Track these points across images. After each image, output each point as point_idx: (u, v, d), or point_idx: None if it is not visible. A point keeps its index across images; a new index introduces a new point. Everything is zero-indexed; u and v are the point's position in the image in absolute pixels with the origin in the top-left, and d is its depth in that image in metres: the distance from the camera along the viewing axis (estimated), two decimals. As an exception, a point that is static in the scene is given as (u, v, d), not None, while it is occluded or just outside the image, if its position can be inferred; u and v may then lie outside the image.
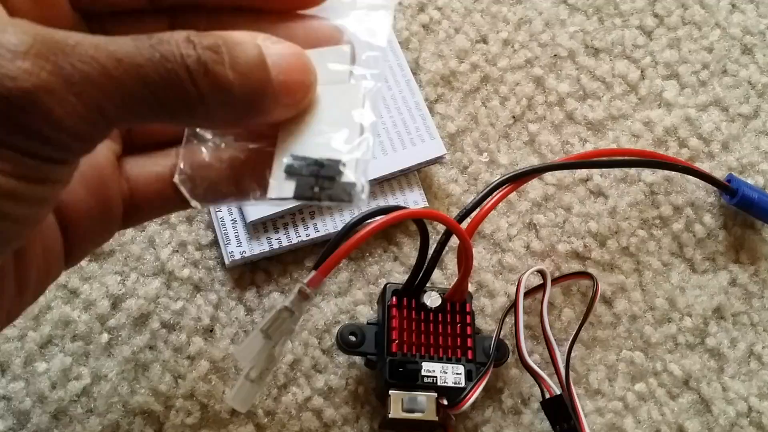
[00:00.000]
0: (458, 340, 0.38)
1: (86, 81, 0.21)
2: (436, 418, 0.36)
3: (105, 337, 0.39)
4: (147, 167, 0.29)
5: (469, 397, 0.36)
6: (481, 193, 0.38)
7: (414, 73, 0.45)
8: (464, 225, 0.37)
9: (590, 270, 0.41)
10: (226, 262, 0.40)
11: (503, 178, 0.38)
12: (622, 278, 0.42)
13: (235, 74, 0.23)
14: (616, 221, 0.43)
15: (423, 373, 0.36)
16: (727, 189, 0.42)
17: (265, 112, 0.24)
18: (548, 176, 0.44)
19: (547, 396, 0.37)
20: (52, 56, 0.20)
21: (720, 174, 0.44)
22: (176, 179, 0.28)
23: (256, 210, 0.40)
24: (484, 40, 0.46)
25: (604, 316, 0.41)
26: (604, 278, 0.42)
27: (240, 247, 0.40)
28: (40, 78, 0.20)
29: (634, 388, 0.40)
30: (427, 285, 0.38)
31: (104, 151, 0.28)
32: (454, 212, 0.43)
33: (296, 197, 0.26)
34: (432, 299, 0.38)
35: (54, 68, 0.20)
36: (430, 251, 0.37)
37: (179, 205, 0.29)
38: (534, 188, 0.43)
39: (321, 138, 0.27)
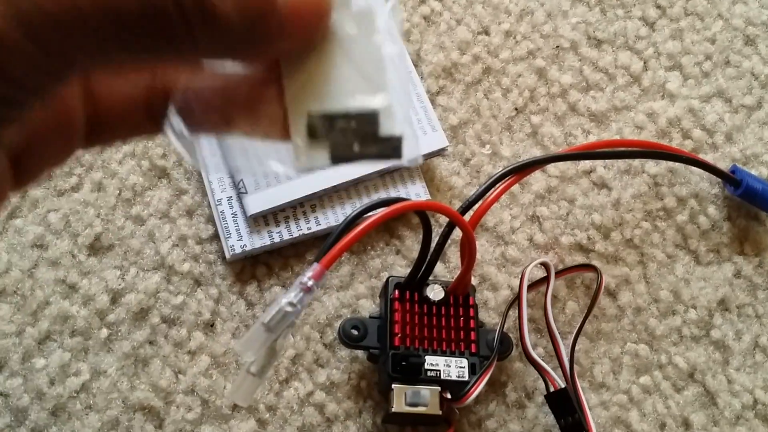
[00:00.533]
0: (461, 333, 0.37)
1: (47, 22, 0.17)
2: (440, 413, 0.35)
3: (104, 332, 0.39)
4: (117, 84, 0.24)
5: (473, 391, 0.36)
6: (484, 184, 0.37)
7: (415, 65, 0.44)
8: (467, 217, 0.36)
9: (594, 262, 0.41)
10: (227, 256, 0.40)
11: (506, 169, 0.38)
12: (626, 270, 0.41)
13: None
14: (619, 213, 0.42)
15: (426, 366, 0.36)
16: (731, 180, 0.42)
17: (267, 44, 0.20)
18: (551, 168, 0.43)
19: (552, 389, 0.37)
20: None
21: (724, 165, 0.43)
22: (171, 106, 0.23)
23: (257, 203, 0.40)
24: (486, 32, 0.46)
25: (609, 309, 0.41)
26: (608, 270, 0.41)
27: (241, 240, 0.40)
28: None
29: (639, 381, 0.40)
30: (430, 278, 0.38)
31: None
32: (457, 205, 0.42)
33: (334, 162, 0.22)
34: (435, 292, 0.37)
35: (6, 8, 0.17)
36: (433, 244, 0.37)
37: (148, 130, 0.24)
38: (537, 180, 0.43)
39: (343, 84, 0.22)
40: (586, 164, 0.43)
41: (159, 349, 0.39)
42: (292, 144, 0.22)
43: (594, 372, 0.40)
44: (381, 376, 0.38)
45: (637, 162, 0.43)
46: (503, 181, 0.38)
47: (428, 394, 0.35)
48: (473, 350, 0.37)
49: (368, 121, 0.21)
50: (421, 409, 0.35)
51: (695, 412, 0.39)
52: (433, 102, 0.44)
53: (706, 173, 0.43)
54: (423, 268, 0.37)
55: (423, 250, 0.37)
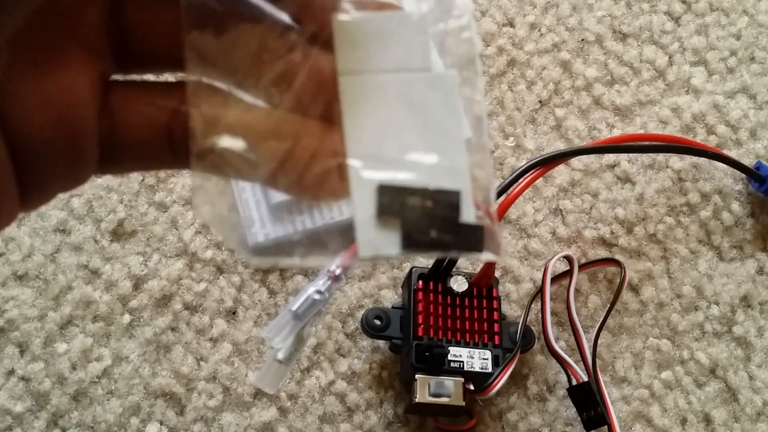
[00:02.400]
0: (485, 325, 0.37)
1: None
2: (463, 403, 0.35)
3: (126, 318, 0.38)
4: (140, 104, 0.21)
5: (497, 383, 0.35)
6: (509, 177, 0.37)
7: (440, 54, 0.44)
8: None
9: (617, 257, 0.41)
10: (250, 244, 0.40)
11: (531, 162, 0.37)
12: (649, 265, 0.41)
13: None
14: (643, 208, 0.42)
15: (449, 357, 0.36)
16: (756, 176, 0.42)
17: None
18: (575, 162, 0.43)
19: (574, 383, 0.37)
20: None
21: (748, 162, 0.43)
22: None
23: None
24: (511, 24, 0.46)
25: (631, 304, 0.41)
26: (631, 265, 0.41)
27: (264, 228, 0.40)
28: None
29: (661, 376, 0.40)
30: (453, 270, 0.38)
31: (80, 68, 0.20)
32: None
33: (405, 248, 0.18)
34: (458, 284, 0.37)
35: None
36: None
37: (168, 161, 0.21)
38: (560, 174, 0.43)
39: (410, 155, 0.18)
40: (610, 158, 0.43)
41: (181, 336, 0.38)
42: (356, 223, 0.18)
43: (616, 366, 0.40)
44: (403, 367, 0.37)
45: (661, 157, 0.43)
46: (528, 173, 0.37)
47: (452, 385, 0.35)
48: (496, 342, 0.37)
49: (449, 202, 0.18)
50: (444, 400, 0.35)
51: (716, 408, 0.39)
52: (456, 93, 0.43)
53: (730, 169, 0.43)
54: (447, 259, 0.37)
55: None
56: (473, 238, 0.18)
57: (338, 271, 0.30)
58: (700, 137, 0.44)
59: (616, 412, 0.39)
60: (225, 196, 0.22)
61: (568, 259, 0.39)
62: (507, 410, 0.39)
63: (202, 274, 0.39)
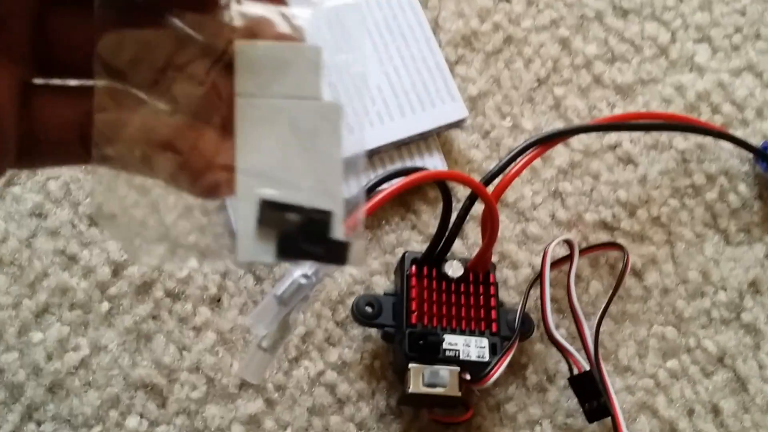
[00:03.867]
0: (482, 312, 0.35)
1: None
2: (459, 394, 0.34)
3: (105, 305, 0.37)
4: (58, 107, 0.23)
5: (494, 372, 0.34)
6: (507, 156, 0.35)
7: (433, 33, 0.42)
8: (489, 190, 0.35)
9: (619, 241, 0.39)
10: (233, 227, 0.38)
11: (531, 140, 0.36)
12: (653, 249, 0.39)
13: None
14: (646, 190, 0.41)
15: (445, 346, 0.34)
16: (764, 156, 0.40)
17: None
18: (575, 142, 0.41)
19: (576, 372, 0.35)
20: None
21: (754, 141, 0.42)
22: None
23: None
24: (508, 0, 0.44)
25: (634, 289, 0.39)
26: (634, 249, 0.39)
27: (249, 212, 0.38)
28: None
29: (666, 365, 0.38)
30: (448, 254, 0.36)
31: (1, 73, 0.22)
32: (477, 179, 0.40)
33: (278, 257, 0.21)
34: (454, 269, 0.36)
35: None
36: (453, 218, 0.35)
37: (81, 157, 0.23)
38: (560, 155, 0.41)
39: (299, 176, 0.21)
40: (611, 138, 0.41)
41: (162, 325, 0.37)
42: (237, 231, 0.21)
43: (619, 355, 0.38)
44: (396, 356, 0.36)
45: (664, 137, 0.41)
46: (527, 152, 0.36)
47: (447, 374, 0.34)
48: (494, 330, 0.35)
49: (321, 221, 0.21)
50: (439, 390, 0.33)
51: (725, 399, 0.37)
52: (451, 72, 0.42)
53: (737, 149, 0.41)
54: (441, 243, 0.35)
55: (442, 224, 0.35)
56: (339, 252, 0.21)
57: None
58: (704, 116, 0.42)
59: (620, 402, 0.37)
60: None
61: (569, 243, 0.37)
62: (505, 401, 0.37)
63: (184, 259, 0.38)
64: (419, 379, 0.34)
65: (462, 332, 0.35)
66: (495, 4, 0.44)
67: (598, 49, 0.43)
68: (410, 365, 0.34)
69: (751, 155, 0.41)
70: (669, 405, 0.37)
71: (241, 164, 0.21)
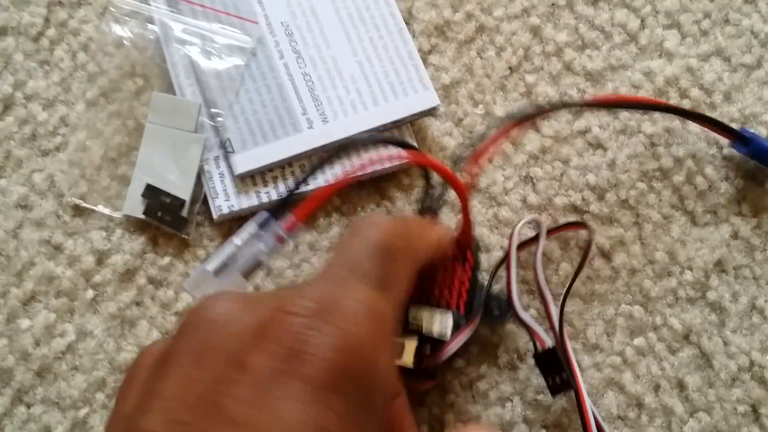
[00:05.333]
0: (453, 289, 0.35)
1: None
2: (411, 365, 0.33)
3: (90, 293, 0.38)
4: None
5: (448, 346, 0.34)
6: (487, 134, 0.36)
7: (407, 23, 0.43)
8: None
9: (588, 223, 0.40)
10: (214, 216, 0.39)
11: (511, 118, 0.36)
12: (621, 231, 0.41)
13: None
14: (615, 174, 0.42)
15: (409, 318, 0.33)
16: (741, 138, 0.41)
17: None
18: (545, 128, 0.42)
19: (540, 349, 0.36)
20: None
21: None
22: None
23: (244, 163, 0.39)
24: (480, -11, 0.45)
25: (603, 270, 0.40)
26: (602, 232, 0.40)
27: (228, 201, 0.39)
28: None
29: (633, 342, 0.39)
30: None
31: None
32: (450, 166, 0.42)
33: (144, 215, 0.38)
34: None
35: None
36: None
37: None
38: (531, 141, 0.42)
39: (170, 175, 0.39)
40: (581, 124, 0.42)
41: (146, 311, 0.38)
42: (128, 194, 0.39)
43: (587, 334, 0.39)
44: None
45: (633, 122, 0.42)
46: (505, 129, 0.36)
47: (402, 344, 0.33)
48: (461, 310, 0.35)
49: (178, 203, 0.38)
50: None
51: (690, 374, 0.39)
52: (424, 61, 0.43)
53: (704, 133, 0.42)
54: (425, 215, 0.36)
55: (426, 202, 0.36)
56: (182, 223, 0.39)
57: (284, 234, 0.29)
58: (673, 101, 0.43)
59: (587, 379, 0.38)
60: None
61: (536, 222, 0.38)
62: (477, 379, 0.38)
63: (166, 248, 0.39)
64: None
65: (429, 304, 0.34)
66: (467, -7, 0.45)
67: (569, 36, 0.44)
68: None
69: (721, 139, 0.42)
70: (636, 381, 0.38)
71: (139, 162, 0.39)
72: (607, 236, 0.40)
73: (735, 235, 0.41)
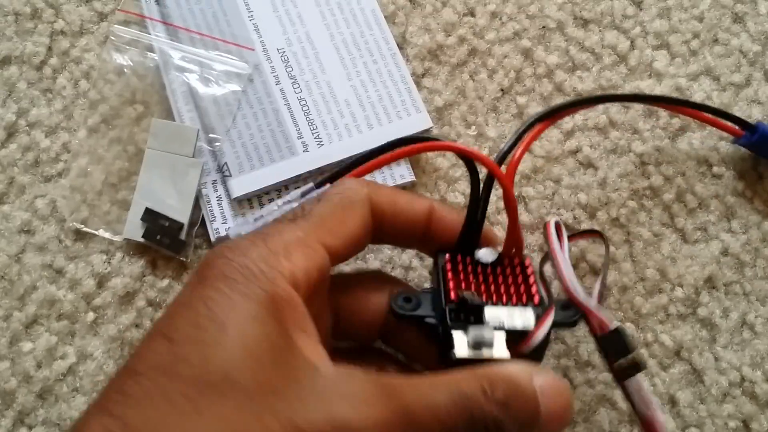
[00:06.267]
0: (522, 287, 0.33)
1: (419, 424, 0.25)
2: (509, 355, 0.30)
3: (91, 315, 0.39)
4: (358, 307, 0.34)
5: (537, 330, 0.31)
6: (510, 138, 0.35)
7: (400, 48, 0.44)
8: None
9: (580, 241, 0.41)
10: (212, 239, 0.40)
11: (535, 117, 0.35)
12: (612, 249, 0.41)
13: (515, 420, 0.27)
14: (605, 192, 0.42)
15: (487, 318, 0.31)
16: (747, 126, 0.41)
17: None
18: (536, 148, 0.43)
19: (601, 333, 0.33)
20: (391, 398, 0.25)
21: (711, 143, 0.43)
22: None
23: (241, 186, 0.40)
24: (472, 13, 0.46)
25: (595, 288, 0.41)
26: (593, 250, 0.41)
27: (225, 224, 0.40)
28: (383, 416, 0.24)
29: (625, 359, 0.39)
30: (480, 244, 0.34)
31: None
32: (443, 186, 0.42)
33: (144, 238, 0.39)
34: (487, 254, 0.34)
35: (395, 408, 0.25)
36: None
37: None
38: (522, 161, 0.43)
39: (169, 199, 0.40)
40: (572, 144, 0.43)
41: (145, 332, 0.39)
42: (128, 218, 0.40)
43: (579, 351, 0.40)
44: (440, 346, 0.32)
45: (623, 141, 0.43)
46: (532, 129, 0.35)
47: (493, 334, 0.30)
48: (536, 302, 0.32)
49: (177, 226, 0.40)
50: (486, 353, 0.30)
51: (682, 390, 0.39)
52: (418, 84, 0.44)
53: (694, 150, 0.43)
54: (471, 229, 0.34)
55: (472, 206, 0.33)
56: (180, 246, 0.40)
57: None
58: (662, 120, 0.44)
59: (579, 396, 0.39)
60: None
61: (557, 225, 0.35)
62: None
63: (165, 270, 0.40)
64: (463, 343, 0.30)
65: (504, 305, 0.32)
66: (460, 18, 0.45)
67: (560, 58, 0.45)
68: (453, 331, 0.31)
69: (711, 155, 0.43)
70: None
71: (138, 187, 0.40)
72: (599, 254, 0.41)
73: (725, 252, 0.42)
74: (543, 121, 0.36)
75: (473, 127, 0.44)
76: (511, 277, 0.33)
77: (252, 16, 0.44)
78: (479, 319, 0.31)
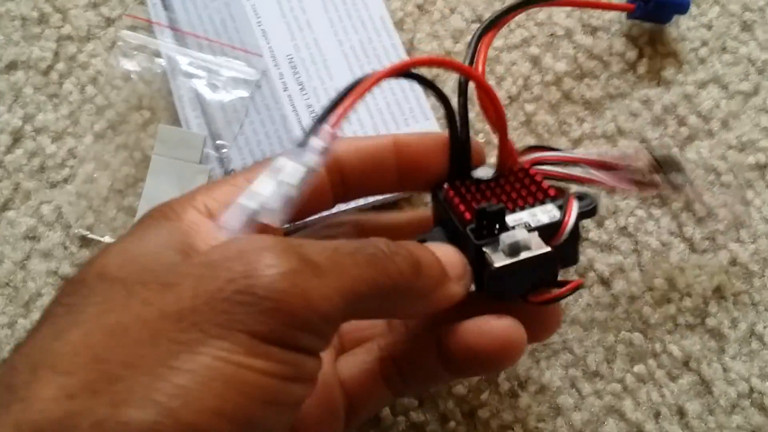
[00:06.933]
0: (532, 187, 0.31)
1: (332, 270, 0.23)
2: (549, 249, 0.28)
3: (97, 323, 0.39)
4: (355, 365, 0.31)
5: (567, 218, 0.29)
6: (469, 49, 0.35)
7: (409, 54, 0.44)
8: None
9: (588, 251, 0.41)
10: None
11: (483, 24, 0.35)
12: (620, 258, 0.41)
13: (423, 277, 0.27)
14: (613, 201, 0.42)
15: (510, 222, 0.29)
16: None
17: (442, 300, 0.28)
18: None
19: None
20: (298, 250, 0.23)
21: (719, 152, 0.43)
22: None
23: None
24: (480, 20, 0.46)
25: (602, 297, 0.41)
26: (601, 259, 0.41)
27: (232, 231, 0.40)
28: (292, 265, 0.22)
29: (633, 369, 0.39)
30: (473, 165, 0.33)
31: (327, 357, 0.29)
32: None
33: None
34: (485, 171, 0.32)
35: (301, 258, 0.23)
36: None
37: (390, 399, 0.33)
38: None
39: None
40: (579, 152, 0.43)
41: (151, 340, 0.39)
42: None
43: (587, 361, 0.39)
44: (476, 274, 0.30)
45: (631, 149, 0.43)
46: (482, 41, 0.35)
47: (525, 234, 0.28)
48: (553, 194, 0.31)
49: None
50: (526, 254, 0.28)
51: (690, 401, 0.39)
52: (426, 92, 0.44)
53: (702, 159, 0.43)
54: (458, 150, 0.32)
55: (451, 127, 0.31)
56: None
57: (323, 145, 0.27)
58: (671, 128, 0.44)
59: (588, 407, 0.39)
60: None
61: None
62: (479, 407, 0.38)
63: (171, 277, 0.40)
64: (498, 253, 0.28)
65: (522, 208, 0.30)
66: (468, 25, 0.45)
67: (568, 65, 0.45)
68: (484, 249, 0.28)
69: (719, 164, 0.43)
70: (636, 408, 0.39)
71: (145, 193, 0.40)
72: (607, 263, 0.41)
73: (733, 262, 0.41)
74: (490, 30, 0.36)
75: (481, 135, 0.43)
76: (518, 183, 0.32)
77: (260, 22, 0.44)
78: (504, 228, 0.29)
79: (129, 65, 0.43)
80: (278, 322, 0.21)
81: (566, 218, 0.29)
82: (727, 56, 0.46)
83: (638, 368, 0.39)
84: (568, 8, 0.46)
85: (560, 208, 0.30)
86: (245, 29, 0.43)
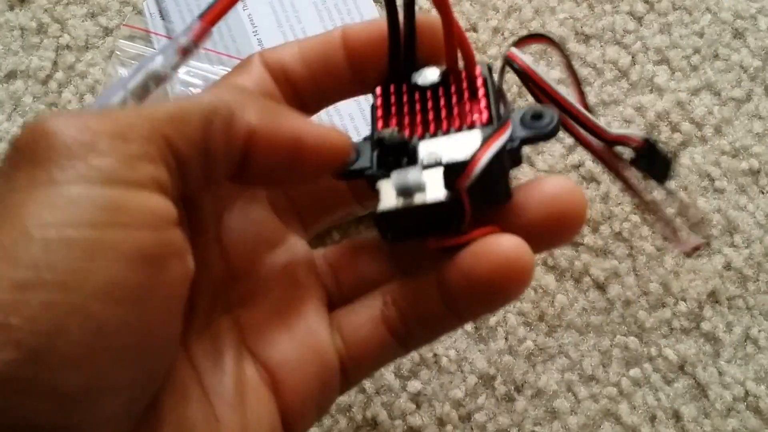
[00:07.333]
0: (467, 105, 0.26)
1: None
2: (443, 197, 0.23)
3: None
4: (357, 316, 0.28)
5: (477, 160, 0.23)
6: None
7: (403, 62, 0.45)
8: None
9: (583, 256, 0.41)
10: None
11: None
12: (615, 263, 0.41)
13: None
14: (608, 206, 0.43)
15: (422, 154, 0.25)
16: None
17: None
18: (539, 162, 0.43)
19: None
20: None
21: (713, 158, 0.43)
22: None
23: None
24: (474, 29, 0.46)
25: (598, 302, 0.41)
26: (597, 264, 0.41)
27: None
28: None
29: (629, 373, 0.40)
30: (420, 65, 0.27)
31: (315, 311, 0.27)
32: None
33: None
34: (425, 75, 0.27)
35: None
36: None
37: (397, 350, 0.28)
38: (525, 175, 0.43)
39: None
40: (574, 158, 0.43)
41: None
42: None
43: (583, 365, 0.40)
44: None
45: (625, 155, 0.43)
46: None
47: (420, 175, 0.24)
48: (486, 119, 0.25)
49: None
50: (418, 199, 0.23)
51: (686, 405, 0.39)
52: (421, 99, 0.44)
53: (696, 165, 0.43)
54: (397, 45, 0.26)
55: (392, 25, 0.26)
56: None
57: (189, 44, 0.25)
58: (664, 135, 0.44)
59: (584, 410, 0.39)
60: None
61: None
62: (475, 411, 0.39)
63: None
64: (389, 192, 0.24)
65: (445, 133, 0.25)
66: (462, 33, 0.46)
67: (562, 73, 0.45)
68: (378, 183, 0.25)
69: (713, 170, 0.43)
70: (632, 412, 0.39)
71: None
72: (602, 268, 0.41)
73: (728, 266, 0.42)
74: None
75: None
76: (455, 96, 0.26)
77: (256, 31, 0.44)
78: (412, 160, 0.25)
79: (127, 74, 0.43)
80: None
81: (476, 158, 0.23)
82: (719, 63, 0.46)
83: (634, 372, 0.40)
84: (561, 16, 0.46)
85: (486, 141, 0.24)
86: (241, 38, 0.44)
